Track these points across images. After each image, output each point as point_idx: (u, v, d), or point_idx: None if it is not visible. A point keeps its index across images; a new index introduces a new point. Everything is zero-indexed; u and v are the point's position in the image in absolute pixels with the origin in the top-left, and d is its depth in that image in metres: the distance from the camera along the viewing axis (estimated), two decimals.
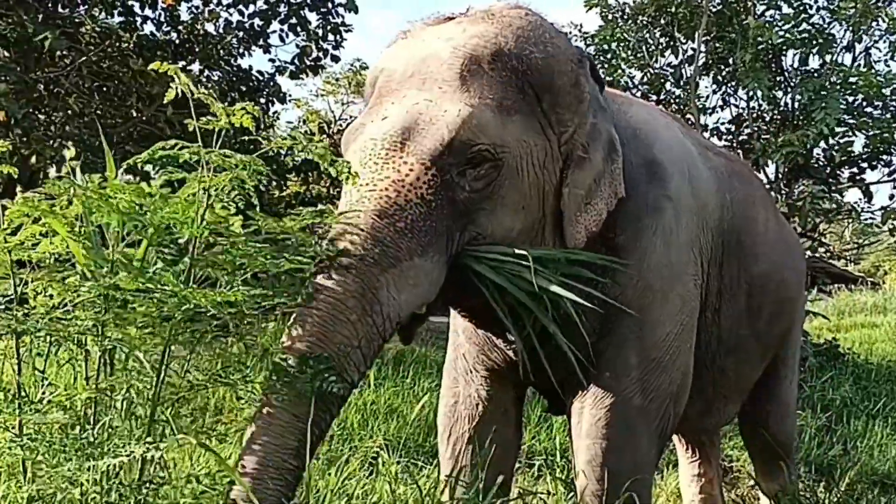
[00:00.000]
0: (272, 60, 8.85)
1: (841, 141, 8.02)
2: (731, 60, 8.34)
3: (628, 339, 2.47)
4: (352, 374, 1.83)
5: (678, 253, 2.56)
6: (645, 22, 8.82)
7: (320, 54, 8.94)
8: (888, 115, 7.79)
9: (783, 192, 8.19)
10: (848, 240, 17.45)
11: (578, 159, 2.27)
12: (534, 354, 2.28)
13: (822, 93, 7.33)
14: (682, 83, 8.81)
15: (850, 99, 7.71)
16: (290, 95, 9.47)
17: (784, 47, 7.69)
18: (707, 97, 8.95)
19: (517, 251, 2.09)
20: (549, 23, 2.34)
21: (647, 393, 2.48)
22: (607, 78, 7.86)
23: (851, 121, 7.78)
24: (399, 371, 5.08)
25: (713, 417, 3.28)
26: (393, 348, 5.30)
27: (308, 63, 8.92)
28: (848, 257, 15.42)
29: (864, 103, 7.85)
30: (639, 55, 8.90)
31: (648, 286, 2.47)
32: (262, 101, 8.89)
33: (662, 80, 8.88)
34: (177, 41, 8.38)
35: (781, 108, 8.36)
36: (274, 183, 8.87)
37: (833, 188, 8.07)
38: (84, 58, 7.54)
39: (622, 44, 8.82)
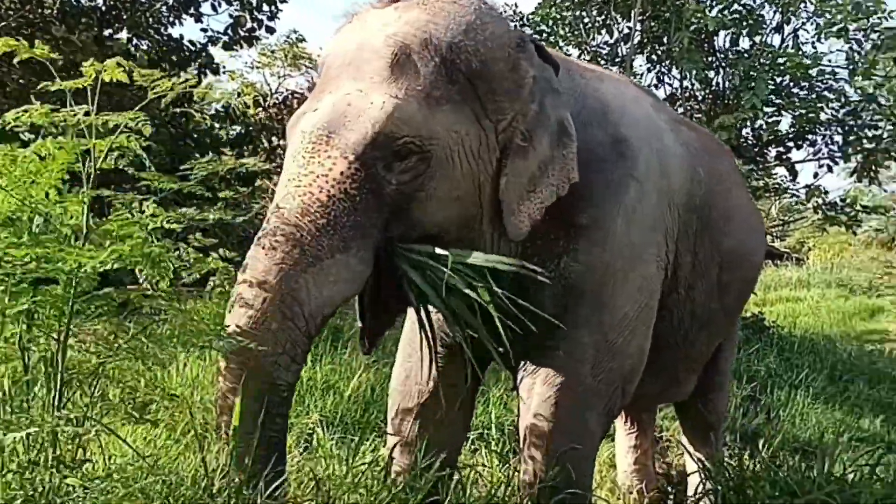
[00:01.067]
0: (204, 30, 8.58)
1: (769, 121, 8.24)
2: (665, 40, 8.47)
3: (587, 320, 2.46)
4: (285, 378, 1.92)
5: (641, 233, 2.54)
6: (581, 0, 8.88)
7: (255, 25, 8.71)
8: (814, 96, 8.02)
9: None
10: (774, 217, 17.99)
11: (518, 148, 2.23)
12: (493, 332, 2.22)
13: (752, 73, 7.52)
14: (617, 61, 8.91)
15: (779, 80, 7.90)
16: (223, 67, 9.23)
17: (717, 29, 7.83)
18: (641, 75, 9.07)
19: (437, 251, 2.09)
20: (487, 6, 2.27)
21: (599, 374, 2.48)
22: None
23: (779, 101, 7.99)
24: (336, 347, 5.04)
25: (682, 389, 3.36)
26: (328, 324, 5.27)
27: (242, 34, 8.68)
28: (774, 234, 15.94)
29: (792, 84, 8.07)
30: (576, 32, 8.96)
31: (609, 266, 2.46)
32: (194, 72, 8.64)
33: (598, 59, 8.96)
34: (103, 8, 8.05)
35: (713, 88, 8.54)
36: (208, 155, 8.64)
37: (761, 167, 8.31)
38: (3, 23, 7.19)
39: (559, 21, 8.86)
